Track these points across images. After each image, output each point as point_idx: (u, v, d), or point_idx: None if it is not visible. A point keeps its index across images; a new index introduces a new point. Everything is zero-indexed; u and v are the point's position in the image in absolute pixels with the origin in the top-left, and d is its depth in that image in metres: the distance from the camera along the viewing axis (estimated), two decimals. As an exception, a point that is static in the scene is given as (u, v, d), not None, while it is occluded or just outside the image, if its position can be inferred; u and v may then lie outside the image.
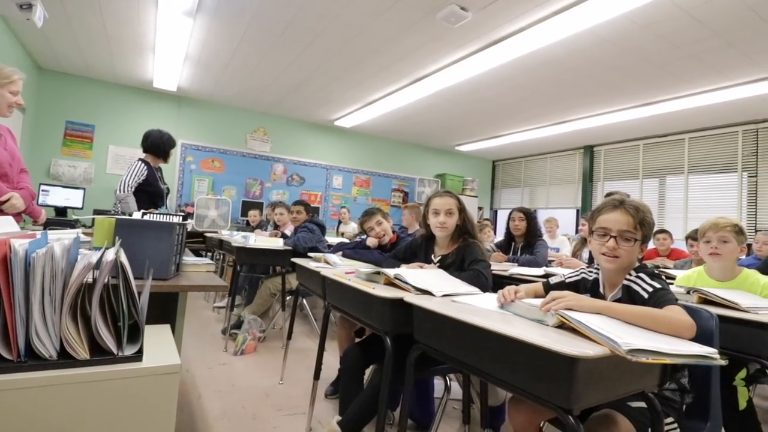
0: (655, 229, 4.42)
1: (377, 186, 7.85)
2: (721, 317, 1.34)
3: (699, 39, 3.41)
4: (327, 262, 2.08)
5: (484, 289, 1.49)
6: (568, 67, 4.12)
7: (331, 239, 4.05)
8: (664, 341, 0.91)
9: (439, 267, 1.74)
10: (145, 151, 2.99)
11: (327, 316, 1.81)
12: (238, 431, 1.82)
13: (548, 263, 2.81)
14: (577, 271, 1.42)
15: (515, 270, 2.27)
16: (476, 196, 8.27)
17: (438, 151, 8.36)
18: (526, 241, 2.95)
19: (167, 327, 1.18)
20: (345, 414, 1.45)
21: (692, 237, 3.27)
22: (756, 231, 4.79)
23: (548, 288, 1.40)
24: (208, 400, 2.11)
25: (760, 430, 1.62)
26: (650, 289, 1.12)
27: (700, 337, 1.26)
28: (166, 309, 1.36)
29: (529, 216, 3.01)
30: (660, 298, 1.08)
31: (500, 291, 1.21)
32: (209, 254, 5.24)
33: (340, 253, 2.45)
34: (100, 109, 5.66)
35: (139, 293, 0.97)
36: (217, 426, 1.85)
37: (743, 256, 1.90)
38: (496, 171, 9.13)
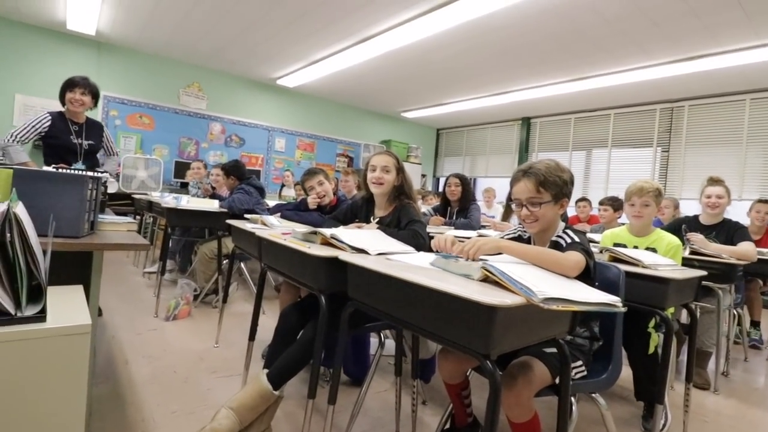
0: (577, 197, 4.78)
1: (321, 150, 7.67)
2: (627, 273, 1.49)
3: (628, 16, 3.59)
4: (264, 224, 2.02)
5: (420, 249, 1.53)
6: (512, 34, 4.18)
7: (274, 203, 3.93)
8: (575, 291, 0.99)
9: (378, 227, 1.75)
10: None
11: (263, 276, 1.78)
12: (168, 395, 1.77)
13: (482, 227, 2.96)
14: (514, 229, 1.49)
15: (451, 233, 2.35)
16: (420, 164, 8.38)
17: (383, 116, 8.28)
18: (461, 205, 3.09)
19: (79, 288, 1.09)
20: (274, 365, 1.45)
21: (602, 203, 3.58)
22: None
23: None
24: (136, 365, 2.02)
25: (663, 372, 1.84)
26: (570, 241, 1.22)
27: (608, 289, 1.39)
28: (79, 269, 1.25)
29: (464, 181, 3.15)
30: (569, 247, 1.17)
31: (438, 237, 1.25)
32: (138, 217, 4.90)
33: (279, 214, 2.39)
34: (2, 52, 4.92)
35: (45, 251, 0.88)
36: (145, 391, 1.78)
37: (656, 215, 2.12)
38: (440, 139, 9.27)
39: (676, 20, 3.59)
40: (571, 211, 4.75)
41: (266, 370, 1.44)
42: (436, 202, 4.48)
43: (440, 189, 3.80)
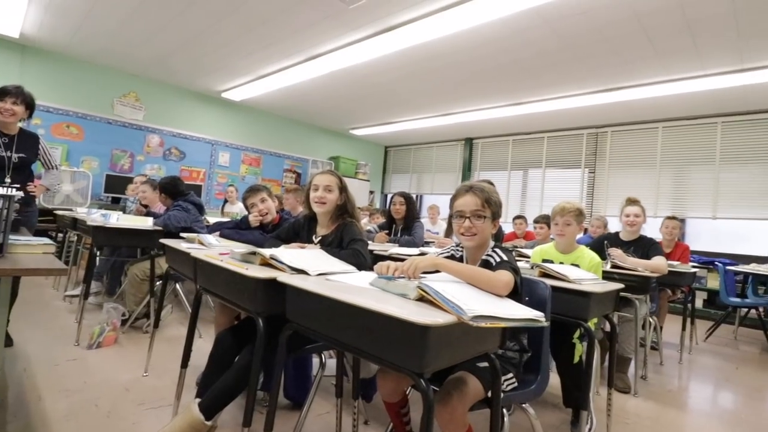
0: (514, 215, 5.05)
1: (268, 165, 7.52)
2: (555, 288, 1.60)
3: (558, 50, 3.92)
4: (201, 243, 1.94)
5: (361, 268, 1.54)
6: (454, 62, 4.40)
7: (215, 221, 3.77)
8: (503, 307, 1.05)
9: (320, 246, 1.75)
10: None
11: (198, 299, 1.70)
12: None
13: (426, 244, 3.05)
14: (448, 248, 1.55)
15: (395, 250, 2.40)
16: (368, 180, 8.47)
17: (332, 133, 8.31)
18: (406, 223, 3.16)
19: (-19, 318, 0.99)
20: (207, 393, 1.38)
21: (537, 221, 3.82)
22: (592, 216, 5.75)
23: None
24: (52, 401, 1.84)
25: (588, 379, 1.97)
26: (499, 260, 1.29)
27: (537, 304, 1.47)
28: (-17, 297, 1.13)
29: (409, 200, 3.23)
30: (498, 265, 1.25)
31: (380, 263, 1.26)
32: (61, 235, 4.52)
33: (218, 233, 2.31)
34: None
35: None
36: (60, 429, 1.62)
37: (581, 235, 2.28)
38: (388, 156, 9.44)
39: (598, 56, 3.98)
40: (508, 227, 5.00)
41: (198, 399, 1.37)
42: (382, 220, 4.54)
43: (388, 206, 3.85)
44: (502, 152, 7.43)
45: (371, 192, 8.77)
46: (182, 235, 2.15)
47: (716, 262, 4.43)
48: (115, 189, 5.57)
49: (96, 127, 5.69)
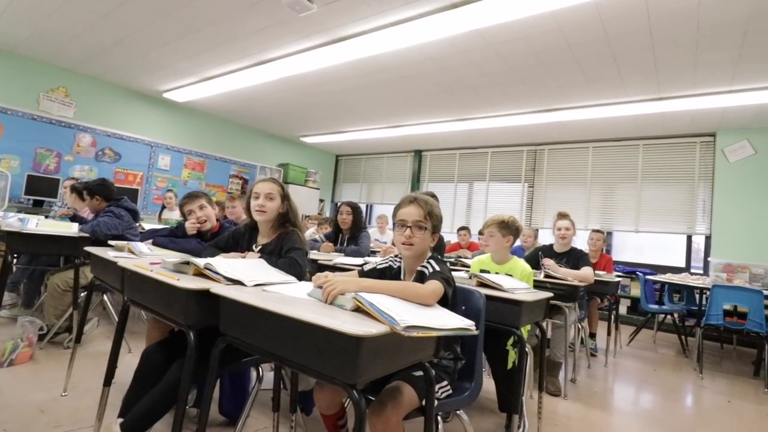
0: (459, 226, 5.22)
1: (213, 170, 7.23)
2: (490, 297, 1.67)
3: (500, 72, 4.14)
4: (131, 252, 1.83)
5: (299, 277, 1.53)
6: (402, 76, 4.51)
7: (151, 227, 3.55)
8: (435, 317, 1.09)
9: (260, 255, 1.71)
10: None
11: (125, 312, 1.59)
12: (-10, 460, 1.46)
13: (372, 253, 3.08)
14: (386, 259, 1.58)
15: (339, 260, 2.40)
16: (318, 189, 8.39)
17: (282, 139, 8.17)
18: (352, 233, 3.17)
19: None
20: (131, 412, 1.29)
21: (481, 232, 3.98)
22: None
23: (362, 274, 1.54)
24: (-53, 427, 1.64)
25: (520, 384, 2.06)
26: (432, 270, 1.33)
27: (472, 313, 1.54)
28: None
29: (356, 210, 3.24)
30: (431, 275, 1.29)
31: (318, 274, 1.25)
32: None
33: (151, 241, 2.18)
34: None
35: None
36: (-44, 459, 1.45)
37: (518, 243, 2.37)
38: (339, 165, 9.43)
39: (537, 79, 4.25)
40: (453, 237, 5.17)
41: (121, 420, 1.29)
42: (330, 229, 4.51)
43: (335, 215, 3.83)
44: (450, 165, 7.68)
45: (321, 201, 8.69)
46: (110, 242, 2.02)
47: (638, 272, 4.84)
48: (37, 191, 5.11)
49: (17, 123, 5.19)
